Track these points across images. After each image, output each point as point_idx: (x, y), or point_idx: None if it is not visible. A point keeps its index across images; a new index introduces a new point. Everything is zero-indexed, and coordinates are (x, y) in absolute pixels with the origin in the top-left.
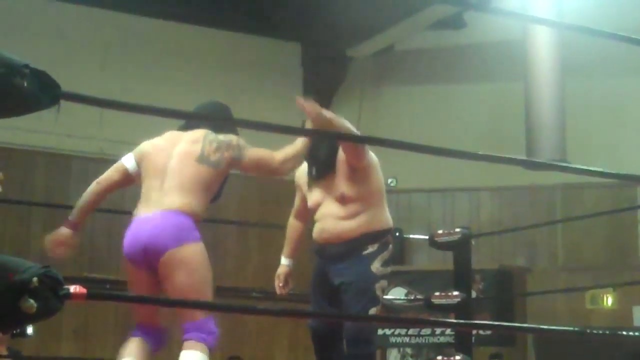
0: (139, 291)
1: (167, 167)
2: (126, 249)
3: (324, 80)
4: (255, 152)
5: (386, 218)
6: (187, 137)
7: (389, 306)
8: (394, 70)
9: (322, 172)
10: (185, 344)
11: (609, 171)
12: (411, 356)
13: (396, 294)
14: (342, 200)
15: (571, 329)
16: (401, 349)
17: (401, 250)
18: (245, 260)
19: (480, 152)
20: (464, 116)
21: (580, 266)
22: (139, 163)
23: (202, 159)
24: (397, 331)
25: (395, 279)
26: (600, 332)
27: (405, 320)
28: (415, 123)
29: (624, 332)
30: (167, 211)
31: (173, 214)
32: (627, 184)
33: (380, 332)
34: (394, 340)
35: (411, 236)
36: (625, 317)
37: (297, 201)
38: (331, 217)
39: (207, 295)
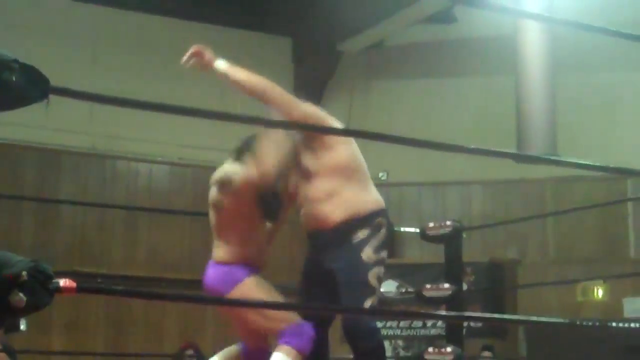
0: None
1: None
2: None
3: (315, 74)
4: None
5: (373, 199)
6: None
7: (380, 299)
8: (384, 65)
9: None
10: (278, 347)
11: (598, 164)
12: (402, 348)
13: (387, 287)
14: (308, 176)
15: (561, 320)
16: (392, 342)
17: (392, 243)
18: None
19: (470, 146)
20: (454, 110)
21: (571, 259)
22: None
23: (214, 205)
24: (389, 324)
25: (386, 272)
26: (591, 323)
27: (396, 313)
28: (405, 117)
29: (614, 324)
30: (212, 264)
31: (215, 267)
32: (617, 178)
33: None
34: (385, 333)
35: (402, 229)
36: (616, 309)
37: None
38: (307, 200)
39: (273, 314)
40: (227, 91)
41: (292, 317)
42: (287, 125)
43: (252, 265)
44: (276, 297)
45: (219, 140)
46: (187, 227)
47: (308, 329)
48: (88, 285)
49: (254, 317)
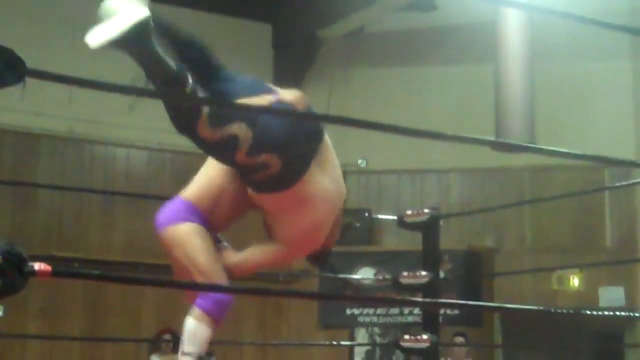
0: None
1: None
2: None
3: (295, 61)
4: None
5: None
6: None
7: (358, 286)
8: (364, 52)
9: None
10: (191, 309)
11: (576, 152)
12: (379, 335)
13: (365, 274)
14: None
15: (537, 307)
16: (369, 329)
17: (370, 230)
18: None
19: (448, 133)
20: (434, 98)
21: (548, 247)
22: None
23: None
24: (365, 311)
25: (363, 259)
26: (565, 311)
27: (372, 300)
28: (385, 105)
29: (588, 312)
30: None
31: (175, 200)
32: (595, 167)
33: (348, 311)
34: (362, 320)
35: (380, 216)
36: (591, 298)
37: None
38: None
39: (197, 267)
40: None
41: (211, 278)
42: (269, 110)
43: (211, 221)
44: (213, 254)
45: None
46: None
47: (225, 295)
48: (64, 269)
49: (188, 270)
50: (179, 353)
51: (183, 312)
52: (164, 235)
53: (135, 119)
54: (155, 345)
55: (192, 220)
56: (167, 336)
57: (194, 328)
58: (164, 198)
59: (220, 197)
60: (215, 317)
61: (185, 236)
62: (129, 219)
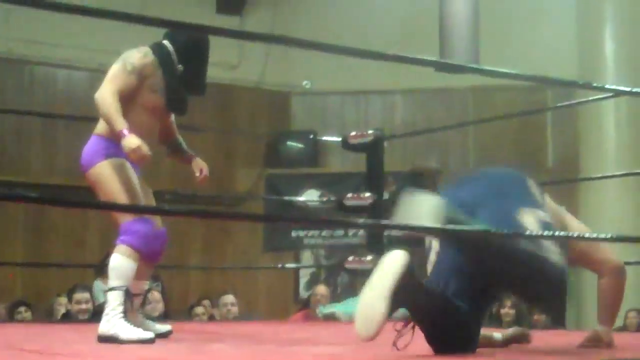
0: None
1: None
2: None
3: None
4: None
5: None
6: None
7: (303, 208)
8: None
9: None
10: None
11: (517, 72)
12: (324, 257)
13: (309, 196)
14: None
15: (476, 229)
16: (314, 251)
17: (315, 152)
18: (157, 163)
19: (392, 53)
20: (378, 18)
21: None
22: None
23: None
24: (311, 233)
25: (308, 181)
26: (505, 231)
27: (314, 222)
28: (329, 25)
29: (521, 233)
30: (91, 136)
31: (90, 139)
32: (538, 88)
33: (293, 234)
34: (307, 242)
35: (324, 138)
36: None
37: None
38: None
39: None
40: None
41: (131, 214)
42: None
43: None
44: (131, 189)
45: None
46: None
47: (141, 226)
48: (5, 192)
49: (105, 199)
50: (108, 289)
51: None
52: (87, 178)
53: (76, 39)
54: (100, 269)
55: (112, 155)
56: None
57: (119, 263)
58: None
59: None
60: (138, 250)
61: (104, 177)
62: (70, 141)
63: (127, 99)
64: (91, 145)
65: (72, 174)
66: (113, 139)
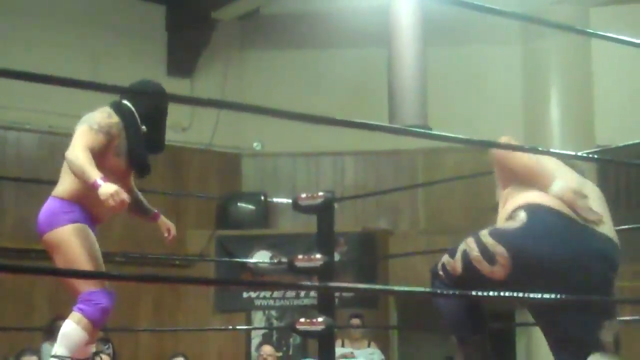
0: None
1: None
2: None
3: (189, 43)
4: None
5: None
6: None
7: (254, 269)
8: (259, 34)
9: None
10: (72, 313)
11: (464, 137)
12: (276, 319)
13: (260, 257)
14: None
15: (424, 289)
16: (266, 312)
17: (266, 213)
18: (108, 224)
19: (344, 117)
20: (329, 81)
21: (441, 229)
22: None
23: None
24: (262, 294)
25: (259, 242)
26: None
27: (264, 284)
28: (280, 88)
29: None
30: (49, 198)
31: (49, 201)
32: (485, 149)
33: (245, 295)
34: (258, 303)
35: (275, 200)
36: None
37: None
38: None
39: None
40: (100, 60)
41: (92, 284)
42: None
43: (92, 213)
44: (93, 257)
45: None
46: None
47: (102, 298)
48: None
49: (65, 265)
50: (51, 356)
51: (76, 298)
52: (44, 242)
53: (26, 102)
54: (49, 332)
55: (76, 220)
56: (61, 323)
57: (71, 331)
58: (55, 183)
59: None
60: (94, 322)
61: (67, 242)
62: (19, 204)
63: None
64: (51, 207)
65: (20, 236)
66: (75, 202)
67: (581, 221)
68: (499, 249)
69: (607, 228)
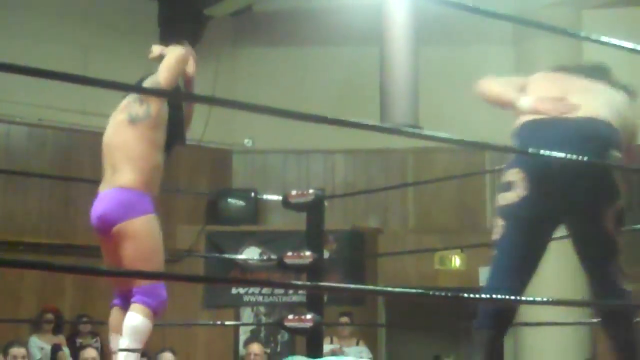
0: (106, 258)
1: (109, 141)
2: (93, 226)
3: (181, 40)
4: (162, 74)
5: None
6: (120, 106)
7: (243, 266)
8: (251, 31)
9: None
10: (131, 306)
11: (455, 137)
12: (264, 315)
13: (250, 254)
14: None
15: (415, 290)
16: (254, 308)
17: (256, 210)
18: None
19: (335, 115)
20: (320, 78)
21: (430, 228)
22: None
23: (132, 119)
24: (251, 291)
25: (249, 239)
26: (443, 294)
27: (253, 282)
28: (272, 85)
29: (465, 295)
30: (115, 189)
31: (116, 192)
32: (476, 150)
33: (233, 291)
34: (247, 299)
35: (265, 197)
36: (472, 278)
37: None
38: None
39: (156, 263)
40: (91, 54)
41: (158, 267)
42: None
43: (153, 200)
44: (161, 245)
45: (79, 102)
46: (46, 190)
47: (163, 291)
48: None
49: (137, 261)
50: (120, 349)
51: (64, 293)
52: (115, 232)
53: (15, 94)
54: (36, 325)
55: (149, 211)
56: (49, 315)
57: (140, 324)
58: (44, 175)
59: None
60: (157, 315)
61: (144, 233)
62: (8, 196)
63: (151, 142)
64: (122, 197)
65: (9, 229)
66: (145, 192)
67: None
68: (509, 173)
69: (589, 110)
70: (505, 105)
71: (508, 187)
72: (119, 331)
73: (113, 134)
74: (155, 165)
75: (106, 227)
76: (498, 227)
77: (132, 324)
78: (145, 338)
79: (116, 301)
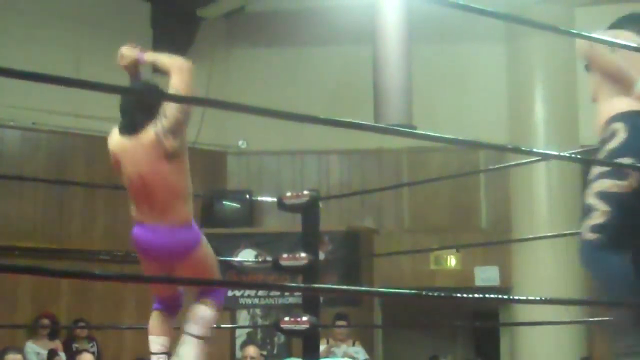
0: (154, 270)
1: (147, 177)
2: (144, 251)
3: (174, 41)
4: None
5: None
6: (144, 142)
7: (239, 268)
8: (245, 32)
9: None
10: (202, 300)
11: (449, 137)
12: (261, 317)
13: (245, 256)
14: None
15: (409, 291)
16: (250, 310)
17: (251, 212)
18: (91, 222)
19: (329, 115)
20: (314, 79)
21: (425, 228)
22: (114, 159)
23: (172, 155)
24: (247, 293)
25: (244, 241)
26: (436, 294)
27: (247, 284)
28: (265, 85)
29: (459, 295)
30: (171, 228)
31: (177, 231)
32: (470, 149)
33: (230, 293)
34: (243, 302)
35: (260, 198)
36: (467, 277)
37: None
38: None
39: (217, 272)
40: (83, 56)
41: (218, 274)
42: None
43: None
44: (214, 254)
45: (73, 106)
46: (40, 195)
47: (224, 291)
48: None
49: (204, 270)
50: (191, 334)
51: (60, 297)
52: (191, 259)
53: (8, 98)
54: (32, 330)
55: (201, 235)
56: (45, 321)
57: (209, 316)
58: (38, 179)
59: None
60: (219, 310)
61: (206, 255)
62: (2, 201)
63: (187, 170)
64: (184, 234)
65: (3, 233)
66: (192, 223)
67: None
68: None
69: None
70: (621, 82)
71: (620, 175)
72: (159, 333)
73: (151, 171)
74: (192, 189)
75: (172, 259)
76: (600, 212)
77: (202, 314)
78: (212, 327)
79: (157, 305)
